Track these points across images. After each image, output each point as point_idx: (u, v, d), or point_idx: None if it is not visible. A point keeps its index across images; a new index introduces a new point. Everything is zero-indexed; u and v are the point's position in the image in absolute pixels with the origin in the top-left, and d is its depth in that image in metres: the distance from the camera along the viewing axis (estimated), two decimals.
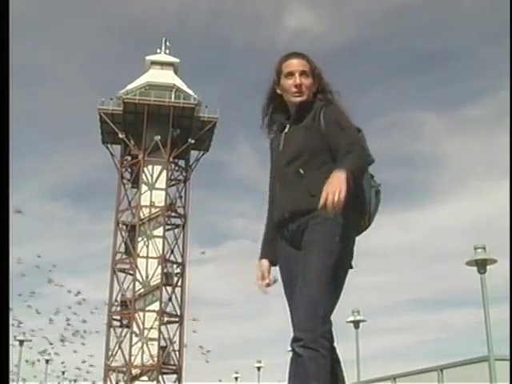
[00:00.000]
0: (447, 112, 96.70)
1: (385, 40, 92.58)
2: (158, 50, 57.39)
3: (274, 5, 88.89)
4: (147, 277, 50.89)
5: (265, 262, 3.22)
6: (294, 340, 2.78)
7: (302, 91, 3.14)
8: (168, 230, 54.25)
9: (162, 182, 53.58)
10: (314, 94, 3.20)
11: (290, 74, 3.15)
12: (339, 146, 2.96)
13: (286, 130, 3.21)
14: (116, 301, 51.70)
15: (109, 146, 55.05)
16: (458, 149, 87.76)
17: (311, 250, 2.90)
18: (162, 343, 50.41)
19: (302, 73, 3.15)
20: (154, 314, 50.01)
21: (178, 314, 52.02)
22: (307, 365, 2.72)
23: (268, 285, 3.15)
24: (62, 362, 51.16)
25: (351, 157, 2.87)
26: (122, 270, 52.97)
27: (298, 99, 3.16)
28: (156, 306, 50.34)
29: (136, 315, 49.83)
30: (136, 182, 54.20)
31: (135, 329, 49.60)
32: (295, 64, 3.16)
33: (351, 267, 3.00)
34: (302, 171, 3.02)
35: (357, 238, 3.06)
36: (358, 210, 3.02)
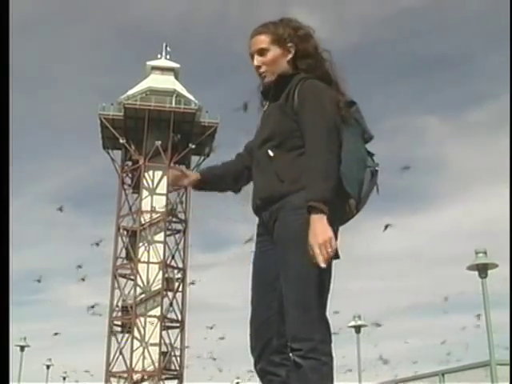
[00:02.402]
0: (450, 116, 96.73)
1: (387, 44, 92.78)
2: (159, 56, 57.53)
3: (276, 9, 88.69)
4: (148, 282, 50.86)
5: (195, 174, 3.08)
6: (292, 349, 2.62)
7: (262, 72, 2.90)
8: (169, 235, 54.29)
9: (162, 188, 53.57)
10: (294, 60, 2.90)
11: (251, 57, 2.93)
12: (305, 134, 2.71)
13: (265, 107, 2.98)
14: (117, 306, 51.69)
15: (109, 151, 55.18)
16: (460, 153, 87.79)
17: (288, 248, 2.64)
18: (163, 348, 50.36)
19: (260, 51, 2.88)
20: (155, 320, 49.95)
21: (179, 319, 52.00)
22: (309, 376, 2.56)
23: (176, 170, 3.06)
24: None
25: (318, 184, 2.56)
26: (123, 276, 52.96)
27: (264, 81, 2.93)
28: (157, 311, 50.30)
29: (137, 320, 49.80)
30: (137, 187, 54.23)
31: (136, 334, 49.56)
32: (252, 44, 2.92)
33: (338, 257, 2.65)
34: (271, 153, 2.77)
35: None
36: (341, 193, 2.66)
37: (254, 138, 3.02)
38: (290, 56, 2.89)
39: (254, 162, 2.94)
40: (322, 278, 2.65)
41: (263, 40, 2.88)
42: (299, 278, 2.62)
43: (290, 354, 2.67)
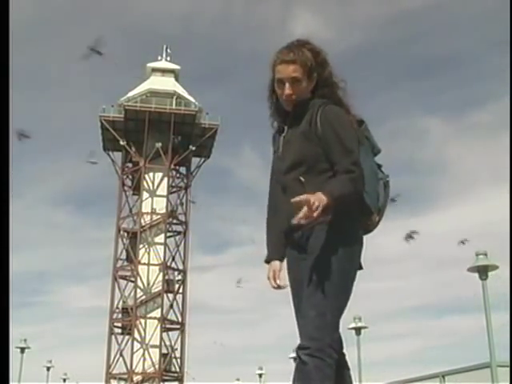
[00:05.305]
0: (452, 118, 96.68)
1: (390, 45, 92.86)
2: (159, 57, 57.56)
3: (279, 11, 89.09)
4: (148, 284, 50.88)
5: (277, 263, 3.06)
6: (301, 347, 2.72)
7: (291, 100, 3.00)
8: (169, 236, 54.31)
9: (163, 189, 53.62)
10: (314, 88, 3.04)
11: (281, 82, 2.99)
12: (335, 159, 2.86)
13: (285, 132, 3.09)
14: (117, 308, 51.70)
15: (110, 152, 55.19)
16: (463, 155, 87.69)
17: (315, 257, 2.81)
18: (164, 350, 50.37)
19: (293, 80, 2.97)
20: (156, 321, 49.96)
21: (180, 320, 52.00)
22: (313, 374, 2.66)
23: (279, 287, 3.00)
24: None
25: (342, 181, 2.78)
26: (124, 277, 52.97)
27: (288, 108, 3.04)
28: (157, 312, 50.29)
29: (137, 322, 49.80)
30: (137, 189, 54.24)
31: (136, 336, 49.56)
32: (285, 72, 2.97)
33: (361, 268, 2.93)
34: (302, 179, 2.91)
35: (364, 239, 2.96)
36: (365, 209, 2.90)
37: (276, 163, 3.16)
38: (313, 85, 3.03)
39: (280, 186, 3.08)
40: (343, 289, 2.83)
41: (296, 70, 2.96)
42: (322, 284, 2.76)
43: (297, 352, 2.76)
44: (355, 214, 2.86)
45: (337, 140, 2.87)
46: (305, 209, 2.59)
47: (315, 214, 2.59)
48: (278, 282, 3.00)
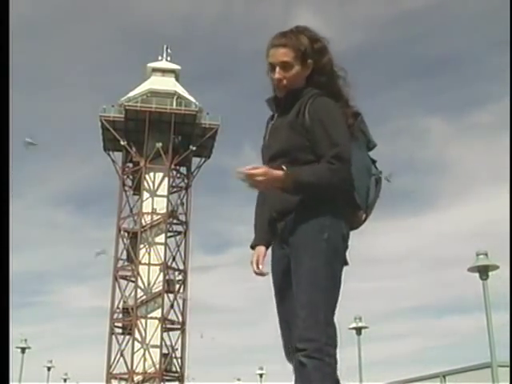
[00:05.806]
0: (452, 118, 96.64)
1: (390, 45, 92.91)
2: (160, 57, 57.56)
3: (280, 10, 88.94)
4: (149, 284, 50.88)
5: (262, 248, 2.98)
6: (297, 350, 2.67)
7: (282, 86, 2.90)
8: (170, 236, 54.31)
9: (163, 189, 53.61)
10: (310, 75, 2.93)
11: (271, 66, 2.90)
12: (322, 152, 2.76)
13: (274, 120, 3.01)
14: (118, 308, 51.70)
15: (110, 152, 55.18)
16: (463, 155, 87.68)
17: (299, 253, 2.74)
18: (164, 350, 50.36)
19: (283, 65, 2.86)
20: (156, 321, 49.95)
21: (180, 320, 52.00)
22: (312, 375, 2.62)
23: (262, 273, 2.92)
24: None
25: (317, 169, 2.73)
26: (124, 277, 52.97)
27: (280, 94, 2.94)
28: (158, 313, 50.30)
29: (138, 322, 49.80)
30: (137, 189, 54.22)
31: (137, 336, 49.56)
32: (274, 55, 2.88)
33: (346, 263, 2.83)
34: (285, 168, 2.76)
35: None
36: (352, 204, 2.82)
37: (262, 150, 3.06)
38: (308, 72, 2.92)
39: None
40: (332, 284, 2.75)
41: (287, 54, 2.86)
42: (309, 281, 2.70)
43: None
44: (341, 208, 2.79)
45: (324, 134, 2.77)
46: (249, 169, 2.63)
47: (249, 172, 2.63)
48: (260, 267, 2.92)
